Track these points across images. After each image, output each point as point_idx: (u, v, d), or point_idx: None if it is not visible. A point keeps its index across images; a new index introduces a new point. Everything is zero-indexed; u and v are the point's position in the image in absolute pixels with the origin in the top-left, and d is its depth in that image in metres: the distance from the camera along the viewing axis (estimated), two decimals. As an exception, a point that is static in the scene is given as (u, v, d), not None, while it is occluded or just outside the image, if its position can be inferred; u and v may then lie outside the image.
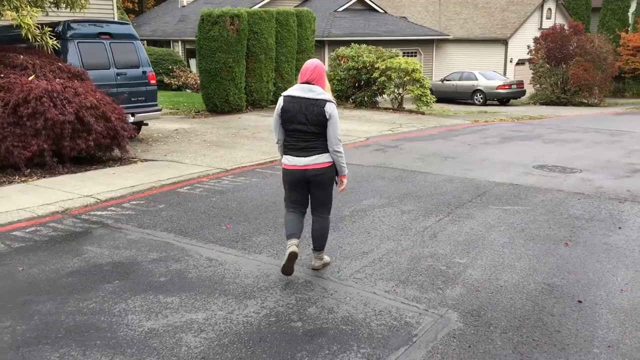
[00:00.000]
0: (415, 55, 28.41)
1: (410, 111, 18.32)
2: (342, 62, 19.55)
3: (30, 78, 8.21)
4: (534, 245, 5.68)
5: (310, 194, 4.60)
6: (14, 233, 5.74)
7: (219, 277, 4.72)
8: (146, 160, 9.41)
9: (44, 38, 8.63)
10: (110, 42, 11.10)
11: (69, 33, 10.23)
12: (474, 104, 24.99)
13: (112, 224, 6.09)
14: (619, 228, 6.33)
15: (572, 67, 24.53)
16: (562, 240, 5.84)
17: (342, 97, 19.72)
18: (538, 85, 25.82)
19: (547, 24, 32.37)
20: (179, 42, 29.43)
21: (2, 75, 8.21)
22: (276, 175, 8.56)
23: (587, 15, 35.56)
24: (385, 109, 18.73)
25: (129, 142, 9.19)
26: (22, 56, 8.61)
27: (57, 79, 8.51)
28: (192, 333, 3.78)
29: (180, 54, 28.67)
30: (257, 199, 7.19)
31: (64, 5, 9.47)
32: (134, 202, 6.97)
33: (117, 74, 11.02)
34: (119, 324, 3.89)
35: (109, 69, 10.87)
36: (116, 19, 14.96)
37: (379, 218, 6.44)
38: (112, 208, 6.70)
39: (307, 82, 4.41)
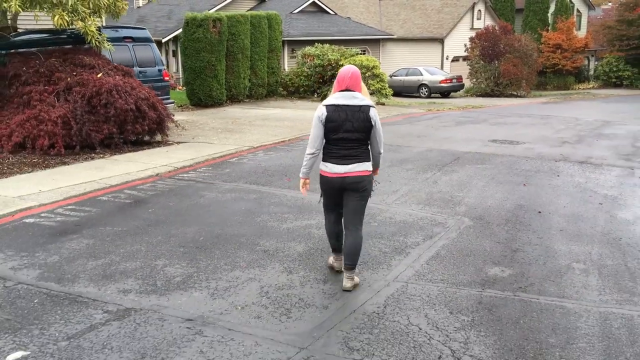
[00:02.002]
0: (364, 53, 31.07)
1: (378, 102, 20.90)
2: (307, 60, 21.90)
3: (98, 75, 10.14)
4: (503, 186, 8.30)
5: (344, 202, 4.51)
6: (140, 187, 7.81)
7: (299, 201, 7.00)
8: (180, 142, 11.46)
9: (103, 43, 10.55)
10: (132, 45, 13.06)
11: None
12: (419, 96, 27.93)
13: (203, 181, 8.26)
14: (557, 176, 9.07)
15: (504, 63, 27.90)
16: (521, 183, 8.50)
17: (309, 92, 22.11)
18: (475, 80, 29.07)
19: (478, 24, 35.88)
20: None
21: (74, 74, 10.08)
22: (296, 150, 10.87)
23: (512, 16, 39.38)
24: (350, 101, 21.22)
25: (169, 127, 11.21)
26: (86, 58, 10.49)
27: (117, 76, 10.46)
28: (314, 228, 6.09)
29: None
30: (292, 164, 9.47)
31: (106, 15, 11.34)
32: (204, 169, 9.13)
33: (140, 72, 12.97)
34: (265, 226, 6.13)
35: (133, 67, 12.79)
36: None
37: (392, 173, 8.89)
38: (192, 173, 8.84)
39: (347, 90, 4.34)
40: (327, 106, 4.34)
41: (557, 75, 36.08)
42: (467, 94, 29.74)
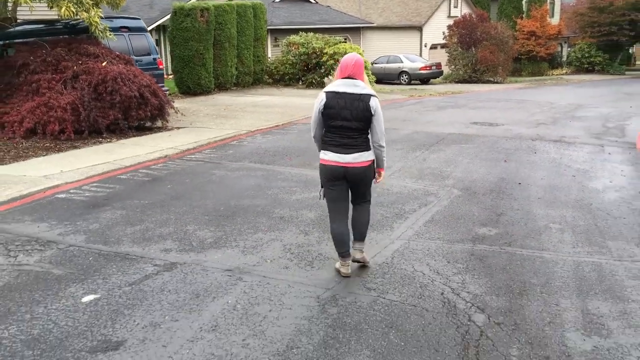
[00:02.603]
0: (346, 42, 31.70)
1: (356, 89, 21.60)
2: (292, 49, 22.49)
3: (103, 64, 10.67)
4: (486, 162, 9.08)
5: (350, 188, 4.52)
6: (153, 167, 8.43)
7: (303, 177, 7.70)
8: (179, 128, 12.03)
9: (105, 33, 11.06)
10: (128, 35, 13.56)
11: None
12: (400, 83, 28.70)
13: (210, 161, 8.89)
14: (535, 153, 9.89)
15: (481, 50, 28.79)
16: (502, 159, 9.30)
17: (294, 79, 22.73)
18: (453, 66, 29.93)
19: (455, 12, 36.76)
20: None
21: (80, 63, 10.60)
22: (290, 133, 11.53)
23: (488, 4, 40.30)
24: (334, 88, 21.91)
25: (169, 113, 11.78)
26: (90, 47, 10.99)
27: (120, 64, 10.99)
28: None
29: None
30: (290, 146, 10.15)
31: (107, 5, 11.83)
32: (208, 150, 9.76)
33: (136, 61, 13.46)
34: (276, 197, 6.81)
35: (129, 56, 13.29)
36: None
37: (420, 142, 9.61)
38: (197, 154, 9.46)
39: (349, 77, 4.28)
40: (327, 92, 4.29)
41: (532, 62, 37.15)
42: (446, 80, 30.59)
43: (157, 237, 5.45)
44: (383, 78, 29.32)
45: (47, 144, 9.74)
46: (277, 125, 12.57)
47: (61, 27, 12.73)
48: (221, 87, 20.13)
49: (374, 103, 4.29)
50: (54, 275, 4.56)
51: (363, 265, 4.79)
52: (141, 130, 11.40)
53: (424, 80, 29.20)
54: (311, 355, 3.44)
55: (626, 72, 38.17)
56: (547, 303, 4.26)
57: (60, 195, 6.86)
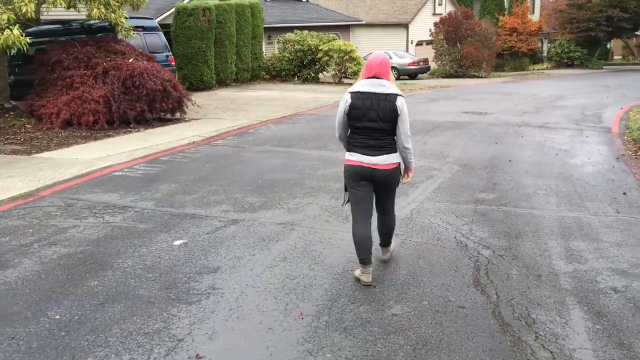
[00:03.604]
0: (336, 39, 32.82)
1: (350, 84, 22.75)
2: (288, 46, 23.57)
3: (130, 60, 11.68)
4: (480, 144, 10.27)
5: (375, 191, 4.41)
6: (186, 151, 9.48)
7: (323, 157, 8.79)
8: (196, 119, 13.06)
9: (129, 32, 12.07)
10: (144, 34, 14.54)
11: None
12: (390, 78, 29.83)
13: (235, 146, 9.97)
14: (521, 136, 11.11)
15: (466, 47, 30.07)
16: (493, 142, 10.49)
17: (289, 75, 23.82)
18: (440, 62, 31.18)
19: (439, 9, 38.04)
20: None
21: (109, 59, 11.60)
22: (299, 123, 12.64)
23: (471, 1, 41.65)
24: (329, 83, 23.07)
25: (188, 105, 12.81)
26: (117, 45, 11.99)
27: (144, 61, 12.01)
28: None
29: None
30: (303, 133, 11.25)
31: (130, 7, 12.82)
32: (230, 138, 10.83)
33: (151, 58, 14.45)
34: (303, 172, 7.91)
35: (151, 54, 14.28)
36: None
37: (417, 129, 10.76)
38: (221, 141, 10.53)
39: (375, 77, 4.19)
40: (352, 93, 4.20)
41: (514, 57, 38.56)
42: (433, 75, 31.83)
43: (213, 202, 6.54)
44: (373, 74, 30.45)
45: (83, 134, 10.74)
46: (285, 116, 13.65)
47: (78, 27, 13.72)
48: (221, 83, 21.13)
49: (400, 103, 4.17)
50: (141, 229, 5.63)
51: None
52: (163, 121, 12.42)
53: (412, 75, 30.41)
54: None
55: (604, 67, 39.75)
56: (537, 243, 5.42)
57: (117, 173, 7.91)
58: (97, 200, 6.63)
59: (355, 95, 4.21)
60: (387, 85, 4.20)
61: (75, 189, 7.14)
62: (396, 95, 4.20)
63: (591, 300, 4.23)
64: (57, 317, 3.86)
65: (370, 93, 4.16)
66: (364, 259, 4.35)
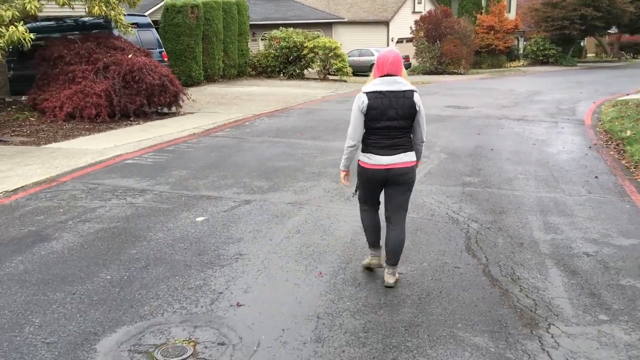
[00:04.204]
0: (319, 36, 33.40)
1: (335, 80, 23.43)
2: (274, 43, 24.12)
3: (129, 56, 12.16)
4: (463, 135, 10.98)
5: (386, 195, 4.28)
6: (189, 141, 10.02)
7: (319, 147, 9.42)
8: (192, 113, 13.57)
9: (127, 29, 12.53)
10: (138, 30, 14.97)
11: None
12: (372, 75, 30.55)
13: (235, 137, 10.54)
14: (502, 128, 11.86)
15: (445, 44, 30.90)
16: (476, 133, 11.21)
17: (275, 71, 24.38)
18: (420, 59, 31.97)
19: (419, 7, 38.82)
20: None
21: (109, 55, 12.07)
22: (292, 116, 13.24)
23: (449, 0, 42.57)
24: (314, 79, 23.68)
25: (184, 100, 13.31)
26: (116, 41, 12.46)
27: (142, 57, 12.49)
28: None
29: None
30: (297, 125, 11.85)
31: (127, 4, 13.27)
32: (228, 130, 11.39)
33: (145, 54, 14.90)
34: (303, 160, 8.51)
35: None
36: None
37: (377, 129, 11.41)
38: (220, 132, 11.08)
39: (388, 75, 4.07)
40: (367, 93, 4.05)
41: (491, 55, 39.53)
42: (414, 72, 32.60)
43: (224, 186, 7.12)
44: (356, 70, 31.05)
45: (87, 126, 11.20)
46: (277, 110, 14.24)
47: (73, 23, 14.15)
48: (209, 79, 21.61)
49: (417, 99, 4.10)
50: (163, 208, 6.20)
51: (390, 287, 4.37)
52: (160, 114, 12.91)
53: (394, 72, 31.10)
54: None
55: (578, 64, 40.96)
56: (519, 218, 6.11)
57: (129, 161, 8.44)
58: (116, 184, 7.17)
59: (373, 95, 4.04)
60: (403, 82, 4.08)
61: (92, 175, 7.66)
62: (412, 91, 4.09)
63: (566, 262, 4.92)
64: (109, 277, 4.43)
65: (388, 91, 4.03)
66: (374, 242, 4.43)
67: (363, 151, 4.20)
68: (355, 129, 4.14)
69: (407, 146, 4.19)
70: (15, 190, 6.88)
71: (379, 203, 4.46)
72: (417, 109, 4.13)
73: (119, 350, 3.41)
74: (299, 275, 4.51)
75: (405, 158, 4.17)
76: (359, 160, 4.24)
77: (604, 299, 4.25)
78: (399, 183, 4.19)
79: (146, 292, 4.18)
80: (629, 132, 10.53)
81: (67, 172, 7.73)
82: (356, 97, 4.14)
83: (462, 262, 4.87)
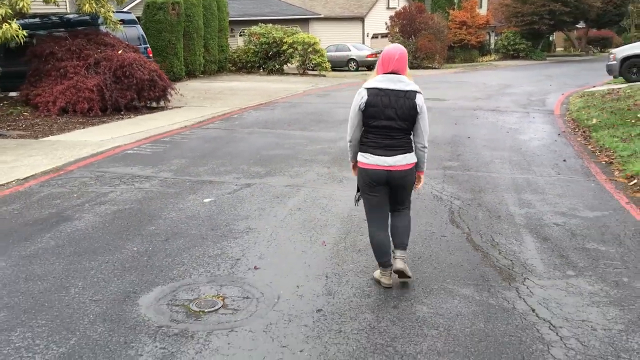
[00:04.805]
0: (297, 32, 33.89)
1: (314, 75, 23.98)
2: (254, 39, 24.57)
3: (119, 52, 12.54)
4: (442, 125, 11.65)
5: (390, 193, 4.15)
6: (183, 133, 10.49)
7: (307, 137, 9.97)
8: (180, 107, 13.99)
9: (116, 25, 12.91)
10: (123, 26, 15.31)
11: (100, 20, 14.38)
12: (349, 70, 31.21)
13: (225, 128, 11.03)
14: (477, 118, 12.56)
15: (420, 39, 31.68)
16: (453, 123, 11.89)
17: (255, 67, 24.85)
18: (396, 54, 32.66)
19: (393, 3, 39.53)
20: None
21: (99, 51, 12.44)
22: (277, 109, 13.76)
23: (423, -4, 43.40)
24: (294, 74, 24.21)
25: (172, 94, 13.73)
26: (106, 38, 12.82)
27: (131, 53, 12.88)
28: (328, 148, 9.10)
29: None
30: (283, 118, 12.38)
31: (115, 2, 13.64)
32: (217, 122, 11.87)
33: (131, 50, 15.26)
34: (294, 149, 9.05)
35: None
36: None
37: (360, 120, 12.00)
38: (210, 124, 11.56)
39: (393, 72, 3.95)
40: (368, 89, 3.95)
41: (464, 49, 40.50)
42: (389, 67, 33.32)
43: (224, 172, 7.64)
44: (333, 65, 31.68)
45: (80, 120, 11.58)
46: (261, 104, 14.75)
47: (58, 20, 14.45)
48: (190, 75, 21.99)
49: (419, 100, 3.97)
50: (171, 192, 6.70)
51: (403, 276, 4.22)
52: (149, 109, 13.32)
53: (370, 67, 31.75)
54: (362, 217, 5.77)
55: (547, 58, 42.18)
56: (496, 196, 6.76)
57: (129, 152, 8.89)
58: (122, 172, 7.64)
59: (373, 91, 3.93)
60: (406, 82, 3.96)
61: (97, 164, 8.10)
62: (415, 92, 3.95)
63: (539, 231, 5.57)
64: (135, 249, 4.94)
65: (389, 90, 3.90)
66: (384, 262, 4.18)
67: (361, 151, 4.10)
68: (352, 125, 4.08)
69: (407, 147, 4.06)
70: (26, 179, 7.30)
71: (386, 216, 4.23)
72: (419, 110, 3.98)
73: (158, 304, 3.94)
74: (305, 245, 5.07)
75: (405, 159, 4.04)
76: (358, 161, 4.14)
77: (571, 259, 4.89)
78: (399, 184, 4.09)
79: (171, 260, 4.70)
80: (594, 120, 11.30)
81: (71, 162, 8.16)
82: (357, 92, 4.05)
83: (447, 232, 5.49)
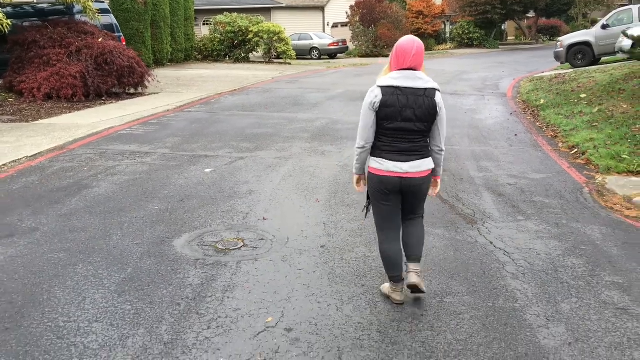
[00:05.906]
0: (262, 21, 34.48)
1: (280, 63, 24.76)
2: (219, 27, 25.16)
3: (99, 40, 13.11)
4: (406, 106, 12.67)
5: (403, 200, 3.79)
6: (168, 116, 11.21)
7: (286, 118, 10.84)
8: (157, 93, 14.63)
9: (95, 14, 13.46)
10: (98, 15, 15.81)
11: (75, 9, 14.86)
12: (312, 58, 32.05)
13: (206, 112, 11.79)
14: (466, 113, 13.62)
15: (380, 28, 32.75)
16: (416, 105, 12.93)
17: (221, 55, 25.46)
18: (357, 43, 33.69)
19: (353, -7, 40.55)
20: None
21: (80, 39, 12.98)
22: (251, 94, 14.57)
23: (381, -14, 44.43)
24: (260, 62, 24.93)
25: (149, 81, 14.36)
26: (86, 26, 13.36)
27: (110, 41, 13.45)
28: (307, 127, 10.00)
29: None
30: (259, 102, 13.20)
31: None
32: (197, 106, 12.61)
33: (105, 39, 15.78)
34: (275, 128, 9.91)
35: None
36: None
37: (331, 104, 12.93)
38: (192, 108, 12.30)
39: (410, 69, 3.57)
40: (382, 87, 3.57)
41: (421, 38, 41.21)
42: (350, 55, 34.33)
43: (216, 147, 8.47)
44: (297, 53, 32.48)
45: (65, 105, 12.14)
46: (235, 90, 15.51)
47: (32, 10, 14.88)
48: (158, 64, 22.46)
49: (439, 99, 3.63)
50: (173, 164, 7.51)
51: (417, 291, 3.88)
52: (129, 94, 13.93)
53: (332, 55, 32.75)
54: (347, 181, 6.72)
55: (499, 46, 43.87)
56: (459, 163, 7.80)
57: (122, 132, 9.60)
58: (122, 149, 8.37)
59: (388, 90, 3.55)
60: (425, 79, 3.60)
61: (96, 143, 8.81)
62: (435, 89, 3.61)
63: (495, 189, 6.63)
64: (157, 207, 5.76)
65: (407, 88, 3.54)
66: (395, 277, 3.84)
67: (373, 155, 3.69)
68: (365, 127, 3.62)
69: (424, 152, 3.70)
70: (34, 156, 7.97)
71: (399, 226, 3.88)
72: (438, 110, 3.62)
73: (190, 245, 4.80)
74: (301, 202, 5.99)
75: (422, 166, 3.68)
76: (369, 167, 3.74)
77: (521, 208, 5.95)
78: (414, 192, 3.73)
79: (191, 214, 5.55)
80: (542, 101, 12.53)
81: (71, 142, 8.83)
82: (368, 91, 3.64)
83: (419, 191, 6.48)
